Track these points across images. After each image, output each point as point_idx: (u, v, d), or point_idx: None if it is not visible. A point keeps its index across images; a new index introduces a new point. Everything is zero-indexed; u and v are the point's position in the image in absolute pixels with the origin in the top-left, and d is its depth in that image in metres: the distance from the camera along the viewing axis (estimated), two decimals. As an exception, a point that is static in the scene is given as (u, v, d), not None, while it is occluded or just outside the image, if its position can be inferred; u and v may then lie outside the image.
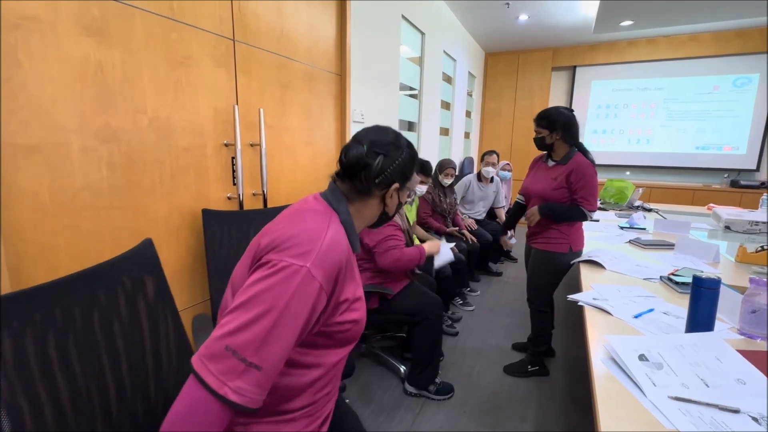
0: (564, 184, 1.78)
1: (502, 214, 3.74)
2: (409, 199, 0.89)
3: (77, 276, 0.74)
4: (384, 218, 0.88)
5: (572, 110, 1.82)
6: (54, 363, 0.68)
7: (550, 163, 1.87)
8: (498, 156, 3.64)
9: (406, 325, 2.06)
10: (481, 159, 3.62)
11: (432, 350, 1.83)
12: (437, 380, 1.88)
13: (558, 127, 1.77)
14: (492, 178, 3.63)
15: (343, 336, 0.75)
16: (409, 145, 0.86)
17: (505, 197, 3.87)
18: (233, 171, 1.63)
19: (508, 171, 4.03)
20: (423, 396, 1.85)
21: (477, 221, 3.46)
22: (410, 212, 2.53)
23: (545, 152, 1.90)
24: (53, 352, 0.68)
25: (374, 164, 0.78)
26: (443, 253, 2.05)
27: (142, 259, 0.87)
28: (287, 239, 0.66)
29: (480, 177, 3.57)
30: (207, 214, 1.48)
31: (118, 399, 0.76)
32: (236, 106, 1.57)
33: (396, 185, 0.82)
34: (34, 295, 0.66)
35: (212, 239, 1.47)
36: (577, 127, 1.80)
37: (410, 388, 1.87)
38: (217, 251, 1.48)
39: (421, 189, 2.39)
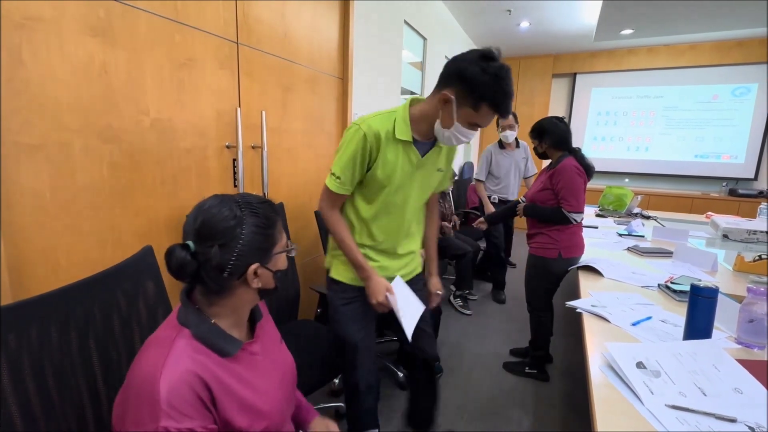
0: (548, 185, 1.85)
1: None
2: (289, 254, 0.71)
3: (87, 281, 0.76)
4: (267, 293, 0.71)
5: (561, 118, 1.91)
6: (75, 364, 0.69)
7: (550, 170, 1.91)
8: (516, 118, 2.97)
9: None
10: (497, 124, 2.99)
11: None
12: None
13: (545, 136, 1.86)
14: (517, 142, 3.08)
15: None
16: (253, 209, 0.66)
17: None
18: (234, 173, 1.63)
19: None
20: None
21: (506, 201, 3.01)
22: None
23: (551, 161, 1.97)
24: (75, 351, 0.69)
25: (211, 260, 0.62)
26: (406, 306, 1.19)
27: (144, 266, 0.88)
28: (124, 406, 0.59)
29: (502, 144, 3.10)
30: None
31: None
32: (238, 108, 1.57)
33: (254, 266, 0.65)
34: (40, 304, 0.67)
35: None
36: (561, 133, 1.85)
37: (401, 369, 1.97)
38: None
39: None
